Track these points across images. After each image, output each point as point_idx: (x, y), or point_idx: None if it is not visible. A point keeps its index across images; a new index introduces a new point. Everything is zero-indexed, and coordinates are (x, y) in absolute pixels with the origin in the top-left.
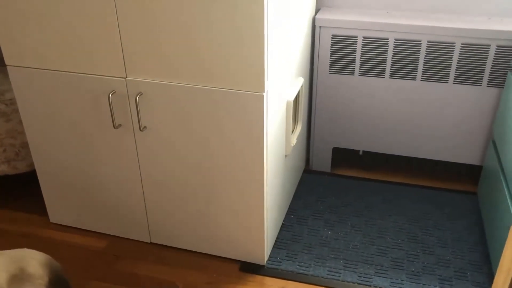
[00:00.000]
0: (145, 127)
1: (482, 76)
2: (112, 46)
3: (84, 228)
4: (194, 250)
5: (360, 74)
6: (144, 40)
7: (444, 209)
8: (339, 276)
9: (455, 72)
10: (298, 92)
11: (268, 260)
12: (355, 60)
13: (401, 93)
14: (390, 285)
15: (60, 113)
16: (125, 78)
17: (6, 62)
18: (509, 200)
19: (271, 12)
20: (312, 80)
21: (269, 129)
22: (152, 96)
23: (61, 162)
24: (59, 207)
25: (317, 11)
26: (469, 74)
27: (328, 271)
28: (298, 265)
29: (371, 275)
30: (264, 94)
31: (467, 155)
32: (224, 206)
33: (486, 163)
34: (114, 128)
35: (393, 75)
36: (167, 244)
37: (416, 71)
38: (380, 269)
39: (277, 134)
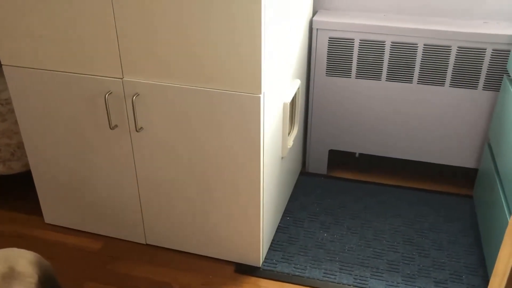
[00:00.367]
0: (141, 128)
1: (478, 80)
2: (109, 47)
3: (79, 229)
4: (189, 251)
5: (357, 77)
6: (141, 41)
7: (440, 211)
8: (335, 278)
9: (451, 75)
10: (295, 94)
11: (264, 262)
12: (351, 62)
13: (398, 96)
14: None
15: (56, 114)
16: (121, 78)
17: (2, 61)
18: (504, 203)
19: (268, 14)
20: (309, 82)
21: (266, 131)
22: (148, 97)
23: (57, 162)
24: (54, 208)
25: (314, 13)
26: (465, 78)
27: (324, 273)
28: (294, 267)
29: (366, 277)
30: (261, 96)
31: (463, 158)
32: (220, 207)
33: (482, 166)
34: (110, 128)
35: (389, 78)
36: (162, 246)
37: (413, 74)
38: (375, 272)
39: (273, 136)
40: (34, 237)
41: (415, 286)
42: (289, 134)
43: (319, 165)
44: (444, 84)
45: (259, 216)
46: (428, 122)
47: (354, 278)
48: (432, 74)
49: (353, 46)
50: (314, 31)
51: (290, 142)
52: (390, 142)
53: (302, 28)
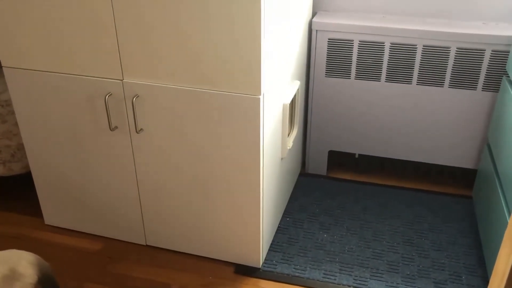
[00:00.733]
0: (141, 129)
1: (477, 81)
2: (109, 48)
3: (79, 230)
4: (189, 252)
5: (356, 78)
6: (140, 42)
7: (439, 212)
8: (335, 279)
9: (451, 76)
10: (295, 95)
11: (264, 262)
12: (351, 63)
13: (397, 97)
14: None
15: (56, 115)
16: (121, 80)
17: (2, 63)
18: (503, 204)
19: (268, 15)
20: (309, 84)
21: (265, 132)
22: (148, 99)
23: (57, 164)
24: (54, 209)
25: (313, 14)
26: (464, 79)
27: (324, 274)
28: (294, 268)
29: (366, 278)
30: (261, 97)
31: (462, 159)
32: (220, 208)
33: (481, 167)
34: (110, 130)
35: (389, 79)
36: (162, 247)
37: (412, 75)
38: (375, 272)
39: (273, 137)
40: (34, 238)
41: (415, 286)
42: (288, 135)
43: (318, 166)
44: (443, 85)
45: (259, 217)
46: (427, 123)
47: (354, 279)
48: (432, 75)
49: (352, 47)
50: (314, 32)
51: (290, 143)
52: (389, 143)
53: (301, 29)
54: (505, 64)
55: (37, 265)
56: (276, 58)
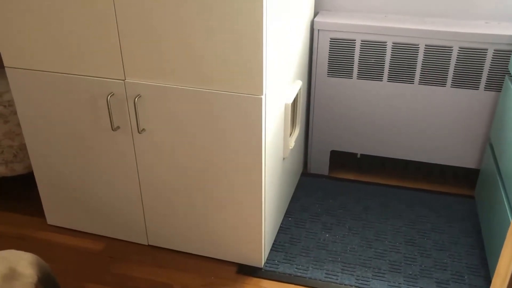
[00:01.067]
0: (143, 129)
1: (480, 80)
2: (111, 48)
3: (82, 230)
4: (191, 252)
5: (358, 78)
6: (142, 43)
7: (441, 212)
8: (337, 279)
9: (453, 76)
10: (297, 95)
11: (266, 262)
12: (353, 63)
13: (399, 97)
14: None
15: (58, 115)
16: (123, 80)
17: (5, 63)
18: (506, 203)
19: (269, 15)
20: (311, 83)
21: (267, 132)
22: (150, 98)
23: (59, 164)
24: (57, 209)
25: (315, 14)
26: (466, 78)
27: (326, 274)
28: (296, 268)
29: (368, 278)
30: (263, 97)
31: (465, 159)
32: (221, 208)
33: (483, 166)
34: (113, 130)
35: (391, 79)
36: (164, 246)
37: (414, 74)
38: (377, 272)
39: (275, 136)
40: (37, 238)
41: (417, 286)
42: (290, 135)
43: (320, 165)
44: (445, 84)
45: (261, 217)
46: (429, 123)
47: (356, 279)
48: (434, 74)
49: (354, 47)
50: (316, 32)
51: (292, 143)
52: (391, 143)
53: (303, 29)
54: (508, 64)
55: (36, 265)
56: (278, 58)
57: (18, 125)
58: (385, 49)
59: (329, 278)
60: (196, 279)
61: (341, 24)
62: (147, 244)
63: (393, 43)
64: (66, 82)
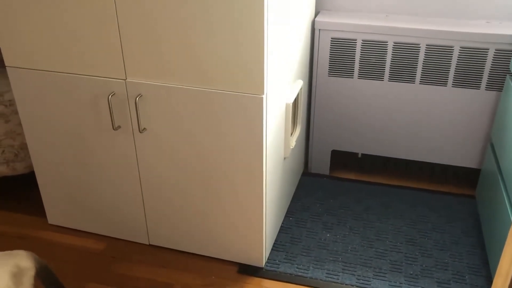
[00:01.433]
0: (144, 128)
1: (481, 80)
2: (112, 48)
3: (83, 229)
4: (192, 252)
5: (359, 77)
6: (144, 42)
7: (442, 212)
8: (338, 279)
9: (454, 75)
10: (297, 95)
11: (267, 262)
12: (354, 63)
13: (400, 96)
14: None
15: (60, 115)
16: (124, 79)
17: (6, 63)
18: (507, 203)
19: (271, 14)
20: (311, 83)
21: (268, 132)
22: (151, 98)
23: (60, 163)
24: (58, 209)
25: (316, 14)
26: (467, 78)
27: (327, 273)
28: (297, 268)
29: (369, 277)
30: (264, 96)
31: (466, 158)
32: (223, 208)
33: (484, 166)
34: (114, 129)
35: (392, 78)
36: (165, 246)
37: (415, 74)
38: (378, 272)
39: (276, 136)
40: (38, 238)
41: (418, 286)
42: (291, 134)
43: (321, 165)
44: (446, 84)
45: (262, 217)
46: (430, 122)
47: (357, 279)
48: (435, 74)
49: (355, 47)
50: (317, 32)
51: (293, 142)
52: (392, 143)
53: (304, 29)
54: (509, 63)
55: (34, 258)
56: (279, 58)
57: (19, 124)
58: (386, 49)
59: (330, 277)
60: (197, 278)
61: (342, 23)
62: (148, 243)
63: (394, 43)
64: (67, 81)
